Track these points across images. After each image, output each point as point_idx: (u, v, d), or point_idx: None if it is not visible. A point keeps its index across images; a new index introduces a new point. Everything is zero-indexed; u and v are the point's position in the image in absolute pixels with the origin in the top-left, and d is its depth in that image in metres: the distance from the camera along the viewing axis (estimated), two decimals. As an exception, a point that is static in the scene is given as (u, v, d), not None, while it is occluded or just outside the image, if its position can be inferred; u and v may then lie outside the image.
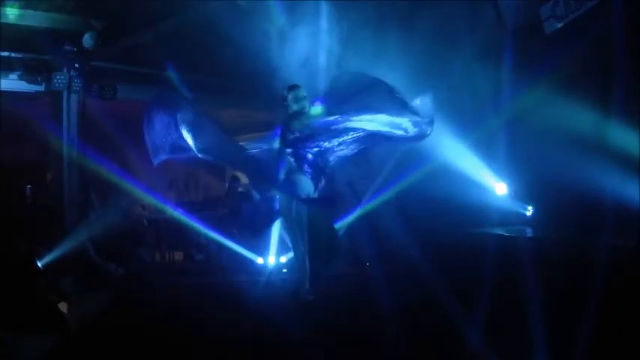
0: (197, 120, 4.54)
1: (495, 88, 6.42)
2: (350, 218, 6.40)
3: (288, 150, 4.62)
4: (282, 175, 4.65)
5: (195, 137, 4.44)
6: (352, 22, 6.30)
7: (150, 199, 7.59)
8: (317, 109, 4.62)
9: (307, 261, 4.59)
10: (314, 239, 4.59)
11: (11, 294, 3.84)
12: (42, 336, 3.55)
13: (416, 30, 6.34)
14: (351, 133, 4.52)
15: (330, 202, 5.09)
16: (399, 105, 4.32)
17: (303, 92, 4.71)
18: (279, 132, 4.73)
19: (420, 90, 4.60)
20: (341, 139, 4.54)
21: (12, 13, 6.42)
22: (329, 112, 4.52)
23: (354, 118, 4.39)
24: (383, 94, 4.32)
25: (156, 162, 4.65)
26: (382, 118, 4.38)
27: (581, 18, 5.64)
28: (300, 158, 4.60)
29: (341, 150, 4.63)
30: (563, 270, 4.34)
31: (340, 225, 6.07)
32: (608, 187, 5.01)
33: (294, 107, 4.68)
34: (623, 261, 4.19)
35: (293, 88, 4.74)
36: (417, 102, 4.44)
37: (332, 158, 4.69)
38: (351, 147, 4.63)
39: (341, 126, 4.45)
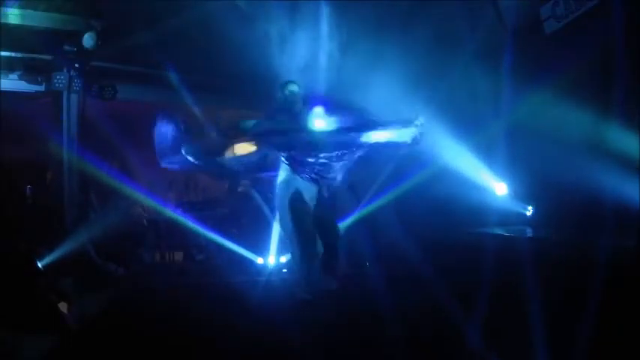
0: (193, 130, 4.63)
1: (495, 89, 6.42)
2: (350, 219, 6.40)
3: (285, 155, 4.61)
4: (280, 180, 4.66)
5: (190, 144, 4.52)
6: (351, 24, 6.30)
7: (149, 200, 7.58)
8: (317, 112, 4.61)
9: (302, 261, 4.61)
10: (309, 239, 4.59)
11: (11, 294, 3.84)
12: (42, 336, 3.55)
13: (415, 31, 6.34)
14: (354, 146, 4.57)
15: (331, 204, 5.09)
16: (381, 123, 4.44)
17: (294, 88, 4.67)
18: (274, 138, 4.68)
19: (410, 103, 4.66)
20: (343, 150, 4.58)
21: (12, 13, 6.42)
22: (329, 117, 4.56)
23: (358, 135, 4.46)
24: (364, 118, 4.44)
25: (163, 165, 4.71)
26: (381, 133, 4.46)
27: (581, 18, 5.65)
28: (300, 165, 4.60)
29: (343, 157, 4.65)
30: (563, 270, 4.34)
31: (340, 226, 6.07)
32: (608, 187, 5.01)
33: (288, 105, 4.65)
34: (623, 261, 4.20)
35: (286, 84, 4.70)
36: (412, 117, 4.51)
37: (335, 164, 4.69)
38: (353, 156, 4.67)
39: (345, 140, 4.51)
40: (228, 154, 4.71)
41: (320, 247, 4.73)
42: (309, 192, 4.60)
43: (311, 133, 4.54)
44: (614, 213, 4.86)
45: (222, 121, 6.37)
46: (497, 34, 6.42)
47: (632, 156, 4.89)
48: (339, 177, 4.82)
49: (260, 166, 4.80)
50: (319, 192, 4.62)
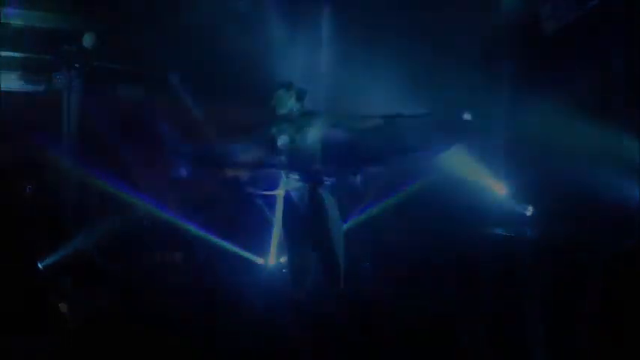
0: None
1: (495, 89, 6.42)
2: (351, 221, 6.39)
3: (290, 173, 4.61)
4: (280, 187, 4.67)
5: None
6: (351, 28, 6.30)
7: (149, 200, 7.58)
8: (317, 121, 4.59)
9: (291, 262, 4.63)
10: (296, 241, 4.60)
11: (11, 294, 3.85)
12: (42, 336, 3.56)
13: (415, 33, 6.34)
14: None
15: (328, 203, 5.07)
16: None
17: (279, 93, 4.57)
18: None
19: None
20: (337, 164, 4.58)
21: (12, 14, 6.43)
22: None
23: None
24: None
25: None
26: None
27: (581, 18, 5.65)
28: (295, 171, 4.59)
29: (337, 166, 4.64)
30: (563, 269, 4.34)
31: (341, 227, 6.05)
32: (608, 187, 5.02)
33: (279, 110, 4.61)
34: (623, 260, 4.20)
35: (275, 88, 4.64)
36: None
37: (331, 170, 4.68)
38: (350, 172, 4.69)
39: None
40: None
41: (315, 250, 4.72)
42: (303, 192, 4.58)
43: (304, 142, 4.52)
44: (614, 212, 4.87)
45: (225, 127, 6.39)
46: (497, 35, 6.43)
47: (633, 154, 4.90)
48: (345, 176, 4.79)
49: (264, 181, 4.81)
50: (314, 192, 4.59)
